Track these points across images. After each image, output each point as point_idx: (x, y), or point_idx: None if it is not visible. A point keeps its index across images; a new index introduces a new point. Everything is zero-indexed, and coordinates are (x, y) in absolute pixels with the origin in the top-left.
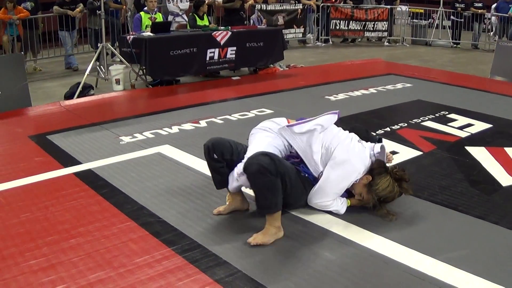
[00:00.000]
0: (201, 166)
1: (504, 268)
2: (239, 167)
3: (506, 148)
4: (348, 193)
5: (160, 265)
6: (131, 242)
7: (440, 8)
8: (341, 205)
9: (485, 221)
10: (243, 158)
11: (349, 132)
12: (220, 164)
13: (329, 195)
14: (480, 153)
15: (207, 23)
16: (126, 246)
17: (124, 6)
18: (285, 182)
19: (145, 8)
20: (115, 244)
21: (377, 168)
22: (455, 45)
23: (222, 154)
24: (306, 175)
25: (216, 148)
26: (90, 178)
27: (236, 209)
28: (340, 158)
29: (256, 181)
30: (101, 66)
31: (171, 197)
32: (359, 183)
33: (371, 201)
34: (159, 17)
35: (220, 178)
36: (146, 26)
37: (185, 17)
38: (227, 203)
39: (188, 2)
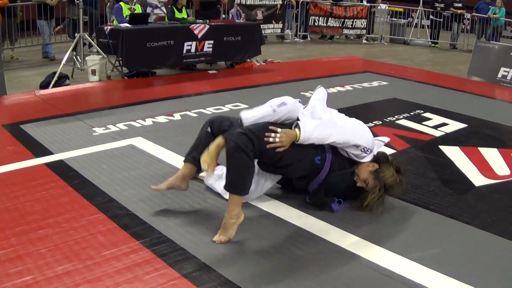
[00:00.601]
0: (173, 159)
1: (474, 268)
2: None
3: (480, 148)
4: (347, 194)
5: (127, 258)
6: (99, 234)
7: (419, 7)
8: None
9: (457, 221)
10: None
11: None
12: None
13: (337, 127)
14: (453, 153)
15: (185, 16)
16: (94, 238)
17: None
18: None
19: None
20: (84, 236)
21: (383, 158)
22: (433, 45)
23: (220, 125)
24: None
25: (215, 121)
26: (61, 169)
27: (174, 187)
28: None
29: (229, 159)
30: (78, 56)
31: (142, 190)
32: (366, 170)
33: (377, 186)
34: (138, 9)
35: (196, 153)
36: (126, 16)
37: (164, 10)
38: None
39: None
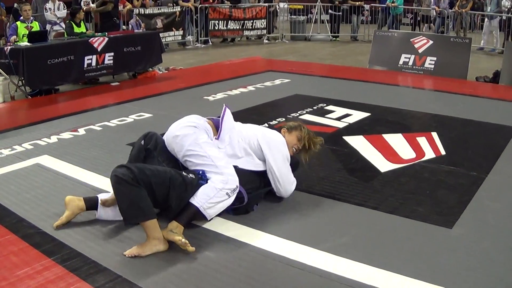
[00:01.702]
0: (79, 174)
1: (384, 251)
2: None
3: (384, 135)
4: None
5: (41, 276)
6: (12, 254)
7: (318, 3)
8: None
9: (364, 207)
10: None
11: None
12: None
13: (289, 174)
14: (358, 142)
15: (84, 30)
16: (7, 259)
17: (3, 17)
18: (153, 187)
19: (21, 18)
20: None
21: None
22: (334, 39)
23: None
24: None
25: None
26: None
27: (75, 213)
28: (269, 145)
29: (116, 192)
30: None
31: (50, 207)
32: (291, 141)
33: (302, 142)
34: (36, 26)
35: None
36: (23, 36)
37: (63, 25)
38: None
39: (65, 10)
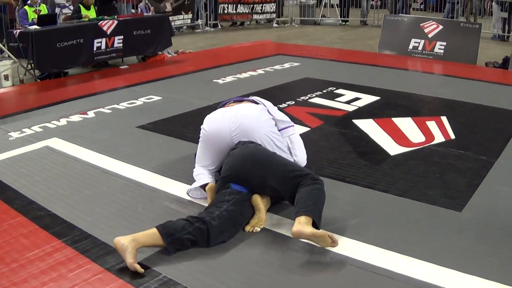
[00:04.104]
0: (89, 156)
1: (393, 234)
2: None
3: (393, 119)
4: None
5: (51, 258)
6: (22, 237)
7: None
8: None
9: (374, 190)
10: None
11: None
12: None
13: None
14: (367, 125)
15: (94, 14)
16: (17, 241)
17: (12, 1)
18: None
19: (29, 2)
20: (6, 240)
21: None
22: (343, 23)
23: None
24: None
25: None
26: None
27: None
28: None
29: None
30: None
31: (60, 190)
32: None
33: None
34: (44, 9)
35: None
36: (33, 20)
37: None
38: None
39: None
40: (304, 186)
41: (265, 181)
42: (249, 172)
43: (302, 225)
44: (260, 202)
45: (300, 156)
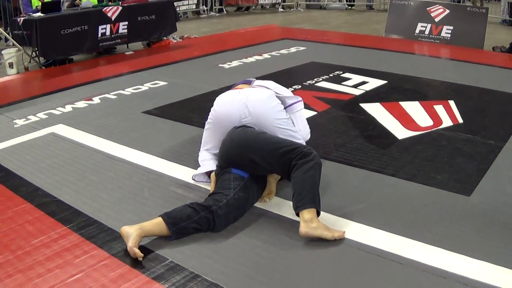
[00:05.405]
0: (94, 142)
1: (402, 218)
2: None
3: (401, 102)
4: None
5: (56, 244)
6: (27, 224)
7: None
8: None
9: (382, 174)
10: None
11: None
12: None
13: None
14: (375, 109)
15: (95, 1)
16: (22, 228)
17: None
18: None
19: None
20: (12, 227)
21: None
22: (349, 7)
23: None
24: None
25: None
26: None
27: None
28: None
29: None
30: None
31: (66, 176)
32: None
33: None
34: None
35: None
36: (36, 7)
37: None
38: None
39: None
40: (296, 170)
41: (254, 161)
42: (236, 154)
43: (307, 224)
44: (269, 175)
45: (303, 131)
